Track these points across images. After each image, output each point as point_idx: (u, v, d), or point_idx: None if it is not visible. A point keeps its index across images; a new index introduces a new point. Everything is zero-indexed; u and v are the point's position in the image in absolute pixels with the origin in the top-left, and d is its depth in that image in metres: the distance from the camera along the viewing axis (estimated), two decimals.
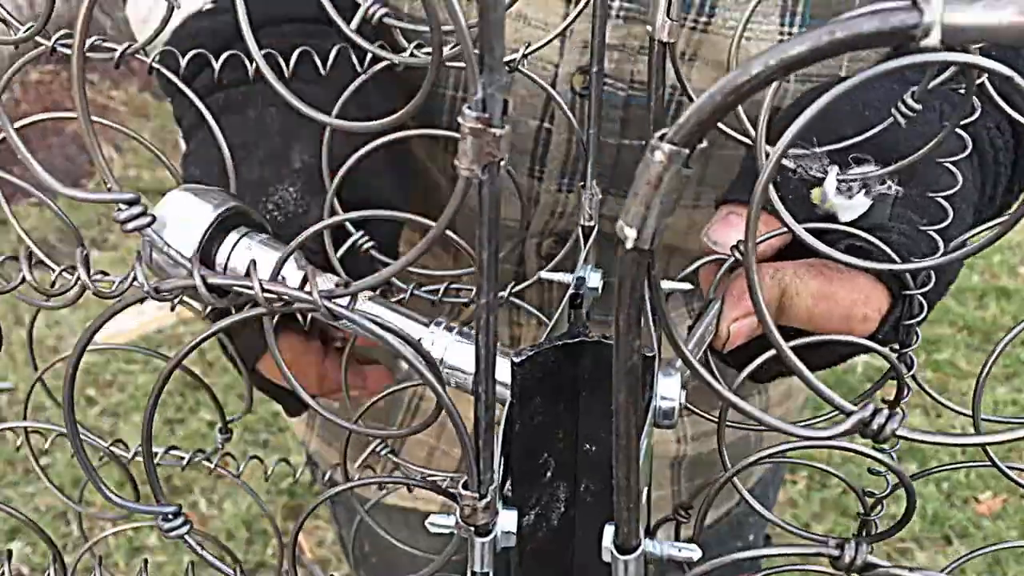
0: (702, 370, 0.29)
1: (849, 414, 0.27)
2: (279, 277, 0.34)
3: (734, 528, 1.05)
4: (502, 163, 0.27)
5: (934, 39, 0.22)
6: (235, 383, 2.14)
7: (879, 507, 0.50)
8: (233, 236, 0.47)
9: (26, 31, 0.40)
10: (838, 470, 0.57)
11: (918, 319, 0.47)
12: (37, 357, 0.59)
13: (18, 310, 2.38)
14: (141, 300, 0.31)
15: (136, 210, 0.30)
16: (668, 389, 0.41)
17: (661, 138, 0.25)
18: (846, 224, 0.48)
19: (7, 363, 2.34)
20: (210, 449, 0.55)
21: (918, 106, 0.44)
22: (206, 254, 0.45)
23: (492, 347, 0.29)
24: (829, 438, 0.27)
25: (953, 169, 0.49)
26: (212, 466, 0.50)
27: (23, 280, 0.30)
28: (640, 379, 0.29)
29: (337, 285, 0.30)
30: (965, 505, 2.17)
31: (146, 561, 0.36)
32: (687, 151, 0.24)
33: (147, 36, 0.47)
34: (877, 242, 0.46)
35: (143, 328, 2.41)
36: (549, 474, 0.39)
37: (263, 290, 0.30)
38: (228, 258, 0.45)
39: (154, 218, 0.30)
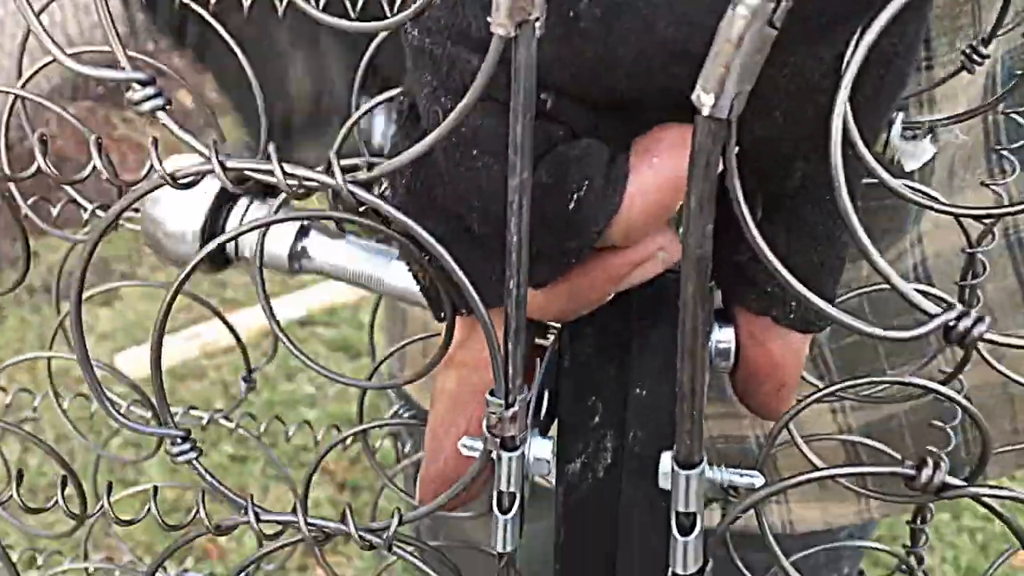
0: (779, 266, 0.26)
1: (933, 316, 0.25)
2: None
3: (830, 558, 1.00)
4: (538, 23, 0.25)
5: None
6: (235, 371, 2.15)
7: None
8: (243, 203, 0.47)
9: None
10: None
11: (980, 278, 0.44)
12: (44, 344, 0.58)
13: (43, 335, 2.38)
14: (159, 186, 0.29)
15: (151, 90, 0.28)
16: (725, 335, 0.38)
17: None
18: (904, 175, 0.44)
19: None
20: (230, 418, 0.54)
21: (986, 50, 0.42)
22: (214, 221, 0.45)
23: (525, 234, 0.27)
24: (914, 338, 0.26)
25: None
26: (233, 426, 0.48)
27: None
28: (708, 271, 0.27)
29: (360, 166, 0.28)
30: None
31: (155, 488, 0.34)
32: (772, 5, 0.22)
33: None
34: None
35: (166, 363, 2.41)
36: (597, 419, 0.36)
37: (284, 174, 0.28)
38: (240, 222, 0.45)
39: (170, 101, 0.29)
